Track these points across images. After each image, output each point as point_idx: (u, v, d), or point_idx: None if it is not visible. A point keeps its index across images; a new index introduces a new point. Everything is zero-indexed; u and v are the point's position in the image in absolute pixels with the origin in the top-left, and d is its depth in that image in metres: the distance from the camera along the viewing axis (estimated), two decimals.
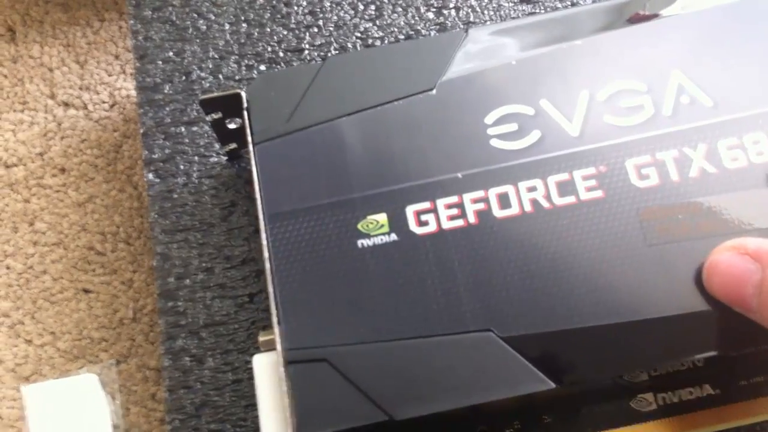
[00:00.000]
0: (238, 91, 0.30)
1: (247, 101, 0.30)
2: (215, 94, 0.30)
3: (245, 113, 0.30)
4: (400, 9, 0.36)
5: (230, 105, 0.30)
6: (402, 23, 0.36)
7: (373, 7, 0.36)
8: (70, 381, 0.37)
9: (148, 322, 0.39)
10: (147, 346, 0.39)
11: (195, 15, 0.37)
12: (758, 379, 0.28)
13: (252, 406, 0.30)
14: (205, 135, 0.34)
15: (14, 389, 0.38)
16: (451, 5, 0.36)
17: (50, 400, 0.36)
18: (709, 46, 0.29)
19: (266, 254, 0.27)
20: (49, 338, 0.39)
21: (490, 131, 0.29)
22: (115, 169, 0.42)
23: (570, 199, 0.27)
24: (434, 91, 0.30)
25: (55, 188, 0.42)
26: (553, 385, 0.25)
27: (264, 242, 0.28)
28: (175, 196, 0.34)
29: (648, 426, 0.28)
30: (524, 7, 0.36)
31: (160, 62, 0.36)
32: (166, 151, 0.34)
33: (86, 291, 0.40)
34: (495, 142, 0.28)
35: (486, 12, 0.36)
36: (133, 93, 0.42)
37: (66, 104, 0.43)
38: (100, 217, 0.41)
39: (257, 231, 0.33)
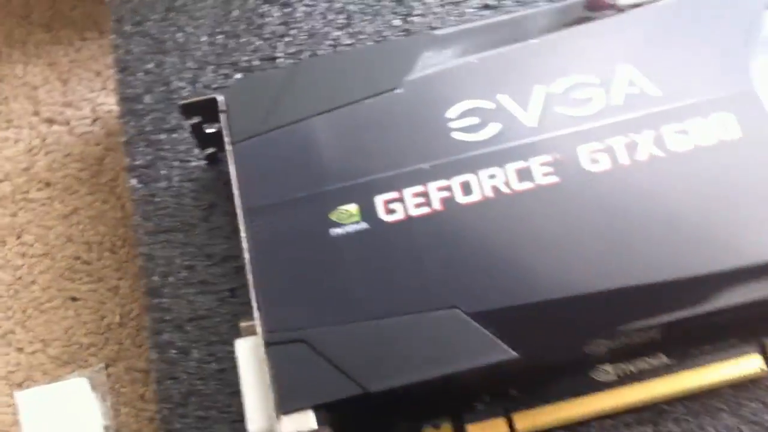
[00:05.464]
0: (215, 96, 0.32)
1: (225, 104, 0.32)
2: (194, 99, 0.32)
3: (222, 116, 0.32)
4: (368, 17, 0.38)
5: (208, 109, 0.32)
6: (370, 30, 0.38)
7: (342, 16, 0.38)
8: (61, 385, 0.38)
9: (135, 327, 0.41)
10: (134, 350, 0.40)
11: (173, 28, 0.39)
12: (708, 348, 0.30)
13: (236, 393, 0.32)
14: (185, 141, 0.36)
15: (8, 395, 0.40)
16: (417, 12, 0.38)
17: (43, 404, 0.37)
18: (656, 41, 0.31)
19: (245, 245, 0.29)
20: (40, 345, 0.41)
21: (453, 125, 0.31)
22: (98, 181, 0.44)
23: (528, 185, 0.29)
24: (400, 90, 0.31)
25: (41, 202, 0.43)
26: (515, 354, 0.27)
27: (243, 234, 0.29)
28: (158, 199, 0.35)
29: (608, 394, 0.30)
30: (486, 13, 0.38)
31: (141, 74, 0.38)
32: (148, 157, 0.36)
33: (74, 299, 0.41)
34: (458, 135, 0.30)
35: (450, 18, 0.38)
36: (114, 108, 0.44)
37: (50, 121, 0.45)
38: (85, 228, 0.42)
39: (236, 230, 0.34)
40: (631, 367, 0.30)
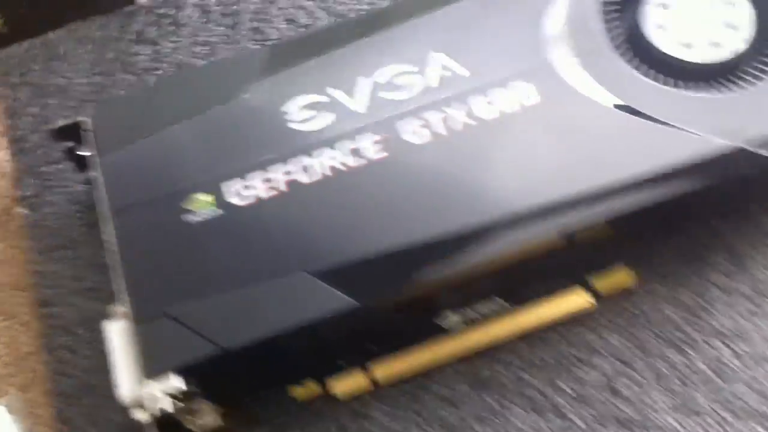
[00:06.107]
0: (77, 119, 0.36)
1: (91, 125, 0.36)
2: (60, 124, 0.36)
3: (87, 135, 0.35)
4: (229, 46, 0.43)
5: (76, 133, 0.36)
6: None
7: (206, 47, 0.43)
8: None
9: (46, 355, 0.43)
10: (47, 374, 0.43)
11: (54, 75, 0.43)
12: (539, 288, 0.34)
13: None
14: (68, 171, 0.40)
15: None
16: (272, 37, 0.43)
17: None
18: (463, 31, 0.36)
19: (108, 239, 0.33)
20: None
21: (293, 117, 0.35)
22: (7, 228, 0.47)
23: (361, 161, 0.33)
24: (246, 95, 0.36)
25: None
26: (356, 303, 0.31)
27: (111, 231, 0.33)
28: (46, 223, 0.39)
29: (455, 339, 0.34)
30: None
31: (27, 117, 0.42)
32: (36, 188, 0.40)
33: None
34: (298, 126, 0.35)
35: None
36: None
37: None
38: None
39: None
40: (471, 312, 0.34)
